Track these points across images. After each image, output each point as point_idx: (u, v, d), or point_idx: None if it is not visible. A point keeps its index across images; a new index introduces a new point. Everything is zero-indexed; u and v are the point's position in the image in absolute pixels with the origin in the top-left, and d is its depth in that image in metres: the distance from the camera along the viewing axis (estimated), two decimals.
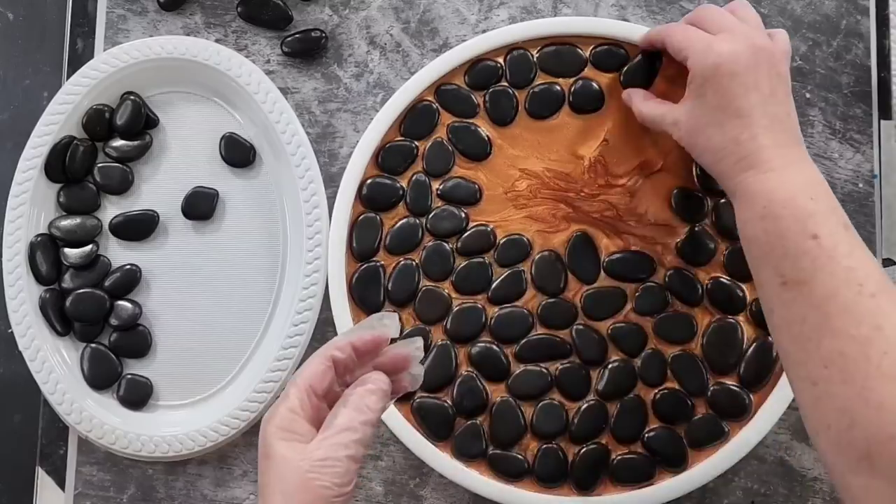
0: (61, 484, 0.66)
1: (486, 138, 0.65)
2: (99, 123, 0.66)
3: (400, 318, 0.52)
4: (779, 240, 0.52)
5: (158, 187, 0.67)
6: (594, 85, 0.65)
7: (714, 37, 0.56)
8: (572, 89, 0.65)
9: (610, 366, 0.63)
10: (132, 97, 0.66)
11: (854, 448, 0.47)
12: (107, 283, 0.65)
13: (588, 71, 0.65)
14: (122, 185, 0.66)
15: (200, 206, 0.66)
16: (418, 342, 0.51)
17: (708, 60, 0.55)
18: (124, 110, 0.66)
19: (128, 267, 0.66)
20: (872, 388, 0.47)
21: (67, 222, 0.66)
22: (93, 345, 0.65)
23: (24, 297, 0.64)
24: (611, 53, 0.65)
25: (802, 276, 0.50)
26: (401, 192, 0.65)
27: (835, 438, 0.48)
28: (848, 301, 0.49)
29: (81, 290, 0.65)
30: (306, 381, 0.48)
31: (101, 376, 0.65)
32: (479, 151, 0.65)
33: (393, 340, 0.51)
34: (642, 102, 0.61)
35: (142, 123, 0.66)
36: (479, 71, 0.65)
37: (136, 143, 0.66)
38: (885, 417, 0.46)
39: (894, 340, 0.47)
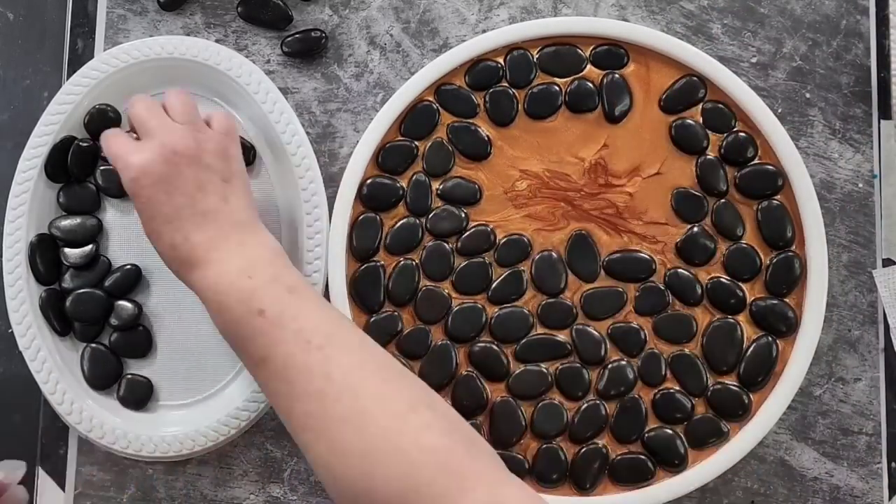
0: (61, 484, 0.66)
1: (486, 138, 0.65)
2: (102, 123, 0.66)
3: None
4: (236, 326, 0.53)
5: None
6: (590, 85, 0.65)
7: (134, 147, 0.56)
8: (568, 89, 0.65)
9: (609, 366, 0.63)
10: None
11: (345, 500, 0.48)
12: (107, 283, 0.65)
13: (586, 71, 0.65)
14: (124, 188, 0.66)
15: None
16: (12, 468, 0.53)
17: (127, 174, 0.55)
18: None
19: (128, 267, 0.66)
20: (335, 437, 0.48)
21: (67, 222, 0.66)
22: (93, 345, 0.65)
23: (24, 297, 0.64)
24: (610, 54, 0.65)
25: (263, 353, 0.52)
26: (401, 192, 0.65)
27: (333, 494, 0.49)
28: (301, 361, 0.51)
29: (81, 291, 0.65)
30: None
31: (101, 376, 0.65)
32: (479, 151, 0.65)
33: None
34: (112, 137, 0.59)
35: None
36: (479, 71, 0.65)
37: None
38: (350, 462, 0.48)
39: (345, 385, 0.49)
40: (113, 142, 0.57)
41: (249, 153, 0.66)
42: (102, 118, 0.66)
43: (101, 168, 0.66)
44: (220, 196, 0.56)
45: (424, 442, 0.48)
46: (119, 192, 0.66)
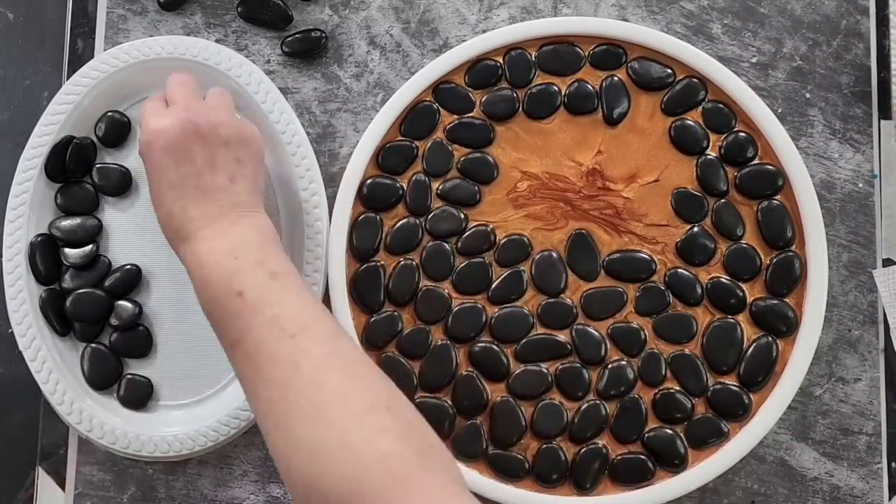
0: (61, 484, 0.66)
1: (489, 126, 0.65)
2: (115, 132, 0.66)
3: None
4: (215, 305, 0.53)
5: None
6: (589, 87, 0.65)
7: (155, 111, 0.57)
8: (568, 91, 0.65)
9: (609, 366, 0.63)
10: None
11: (296, 492, 0.48)
12: (107, 284, 0.65)
13: (585, 72, 0.65)
14: (121, 187, 0.66)
15: None
16: None
17: (143, 136, 0.56)
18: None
19: (128, 267, 0.66)
20: (291, 429, 0.48)
21: (68, 222, 0.66)
22: (93, 345, 0.65)
23: (25, 297, 0.64)
24: (609, 53, 0.65)
25: (238, 336, 0.52)
26: (401, 192, 0.65)
27: (286, 484, 0.49)
28: (272, 348, 0.50)
29: (81, 291, 0.65)
30: None
31: (101, 376, 0.65)
32: (481, 140, 0.65)
33: None
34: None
35: None
36: (479, 71, 0.65)
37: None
38: (303, 455, 0.47)
39: (309, 377, 0.49)
40: (147, 103, 0.59)
41: None
42: (116, 126, 0.66)
43: (98, 166, 0.66)
44: (227, 175, 0.56)
45: (377, 445, 0.47)
46: (116, 191, 0.66)
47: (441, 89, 0.65)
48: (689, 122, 0.64)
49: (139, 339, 0.65)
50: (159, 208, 0.56)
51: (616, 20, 0.67)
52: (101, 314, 0.65)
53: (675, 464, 0.62)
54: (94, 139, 0.66)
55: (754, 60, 0.67)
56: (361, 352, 0.54)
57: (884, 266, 0.66)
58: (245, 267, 0.53)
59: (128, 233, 0.67)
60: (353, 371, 0.51)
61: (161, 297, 0.66)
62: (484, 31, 0.67)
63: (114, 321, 0.65)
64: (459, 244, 0.64)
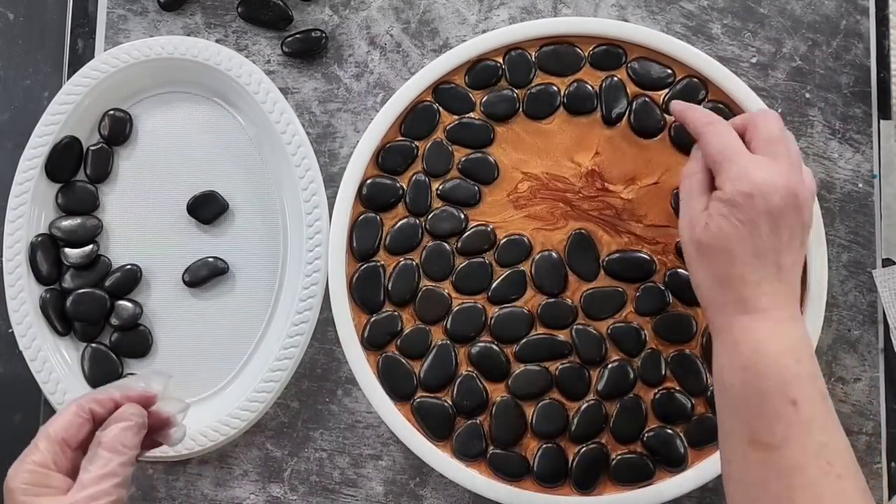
0: None
1: (489, 127, 0.65)
2: (120, 130, 0.66)
3: (167, 380, 0.52)
4: (757, 396, 0.50)
5: (159, 188, 0.67)
6: (588, 87, 0.65)
7: (756, 160, 0.52)
8: (567, 91, 0.65)
9: (609, 366, 0.63)
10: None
11: None
12: (107, 283, 0.65)
13: (585, 72, 0.65)
14: (105, 173, 0.66)
15: (206, 207, 0.66)
16: (183, 406, 0.49)
17: (742, 187, 0.51)
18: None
19: (128, 267, 0.66)
20: None
21: (68, 222, 0.66)
22: (93, 344, 0.65)
23: (25, 297, 0.64)
24: (609, 54, 0.65)
25: (774, 441, 0.49)
26: (401, 192, 0.65)
27: None
28: (814, 478, 0.47)
29: (82, 291, 0.65)
30: (59, 433, 0.45)
31: (101, 376, 0.65)
32: (482, 140, 0.65)
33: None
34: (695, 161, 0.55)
35: None
36: (479, 71, 0.65)
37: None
38: None
39: None
40: (728, 135, 0.54)
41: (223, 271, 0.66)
42: (120, 125, 0.66)
43: (92, 148, 0.66)
44: (795, 258, 0.52)
45: None
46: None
47: (441, 89, 0.65)
48: None
49: (139, 339, 0.66)
50: (727, 265, 0.52)
51: (616, 20, 0.67)
52: (102, 314, 0.65)
53: (676, 464, 0.62)
54: (100, 138, 0.66)
55: (754, 60, 0.67)
56: None
57: (883, 266, 0.66)
58: (804, 375, 0.50)
59: (128, 232, 0.67)
60: None
61: (161, 297, 0.66)
62: (484, 31, 0.67)
63: (114, 321, 0.65)
64: (459, 244, 0.64)
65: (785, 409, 0.49)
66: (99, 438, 0.44)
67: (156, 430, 0.49)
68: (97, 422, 0.46)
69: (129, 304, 0.65)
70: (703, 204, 0.54)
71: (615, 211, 0.64)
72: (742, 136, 0.55)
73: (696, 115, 0.57)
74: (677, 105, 0.59)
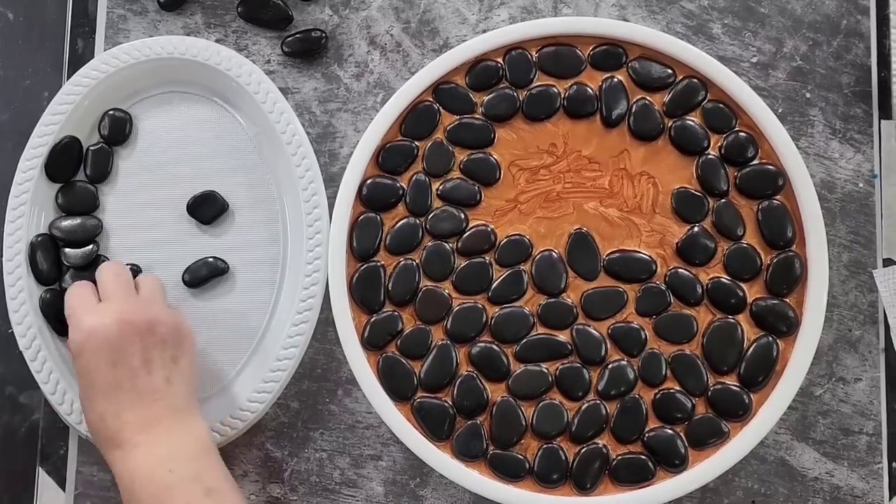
0: (61, 484, 0.66)
1: (490, 127, 0.65)
2: (119, 130, 0.66)
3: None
4: None
5: (159, 188, 0.67)
6: (588, 90, 0.65)
7: (90, 307, 0.56)
8: (567, 93, 0.65)
9: (610, 366, 0.63)
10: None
11: None
12: None
13: (585, 75, 0.65)
14: (105, 173, 0.67)
15: (206, 207, 0.66)
16: None
17: (76, 335, 0.55)
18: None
19: (128, 266, 0.66)
20: None
21: (68, 223, 0.66)
22: None
23: (25, 297, 0.64)
24: (609, 54, 0.65)
25: None
26: (401, 192, 0.65)
27: None
28: None
29: None
30: None
31: None
32: (482, 141, 0.65)
33: None
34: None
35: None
36: (479, 71, 0.65)
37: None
38: None
39: None
40: (75, 294, 0.58)
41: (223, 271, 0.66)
42: (120, 125, 0.66)
43: (91, 148, 0.66)
44: (164, 376, 0.55)
45: None
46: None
47: (441, 89, 0.65)
48: (689, 122, 0.64)
49: None
50: (90, 411, 0.55)
51: (616, 20, 0.67)
52: None
53: (676, 464, 0.62)
54: (100, 138, 0.66)
55: (754, 60, 0.67)
56: None
57: (884, 266, 0.66)
58: (179, 481, 0.52)
59: (128, 233, 0.67)
60: None
61: None
62: (484, 31, 0.67)
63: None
64: (459, 244, 0.64)
65: None
66: None
67: None
68: None
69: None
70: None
71: (608, 190, 0.64)
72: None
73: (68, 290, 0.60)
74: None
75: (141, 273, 0.65)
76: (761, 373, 0.62)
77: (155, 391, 0.55)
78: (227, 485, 0.54)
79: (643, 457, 0.62)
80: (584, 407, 0.63)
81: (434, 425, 0.63)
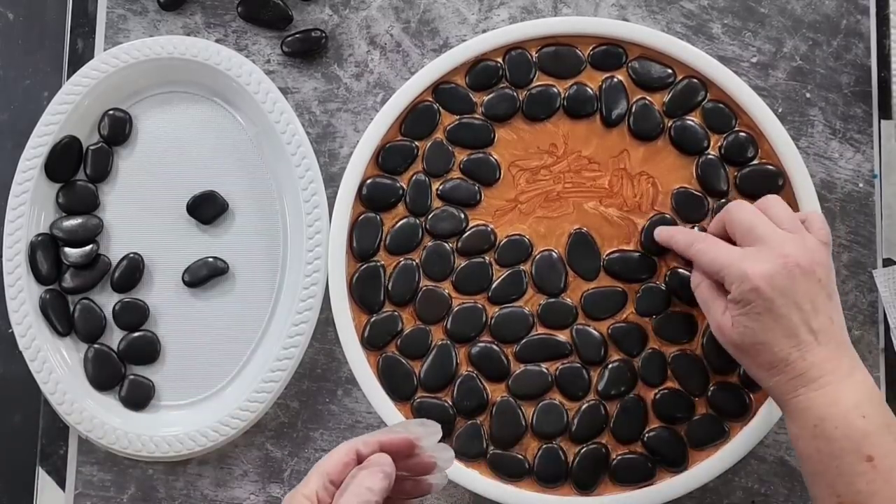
0: (61, 484, 0.66)
1: (490, 127, 0.65)
2: (119, 130, 0.66)
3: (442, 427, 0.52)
4: (832, 460, 0.51)
5: (159, 187, 0.67)
6: (588, 90, 0.65)
7: (746, 256, 0.55)
8: (567, 93, 0.65)
9: (610, 366, 0.63)
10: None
11: None
12: (115, 277, 0.66)
13: (585, 75, 0.65)
14: (105, 172, 0.67)
15: (206, 207, 0.66)
16: (449, 454, 0.50)
17: (745, 286, 0.54)
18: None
19: (131, 255, 0.66)
20: None
21: (69, 223, 0.66)
22: (96, 345, 0.65)
23: (25, 297, 0.64)
24: (609, 54, 0.65)
25: (858, 499, 0.50)
26: (401, 192, 0.65)
27: None
28: None
29: (85, 298, 0.65)
30: (325, 469, 0.48)
31: (105, 377, 0.65)
32: (482, 140, 0.65)
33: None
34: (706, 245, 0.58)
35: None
36: (479, 71, 0.65)
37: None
38: None
39: None
40: (713, 246, 0.57)
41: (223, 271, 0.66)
42: (120, 125, 0.66)
43: (91, 147, 0.66)
44: (827, 315, 0.54)
45: None
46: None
47: (441, 89, 0.65)
48: (689, 122, 0.64)
49: (146, 345, 0.65)
50: (767, 353, 0.54)
51: (616, 20, 0.67)
52: (104, 318, 0.65)
53: (676, 464, 0.62)
54: (100, 138, 0.66)
55: (754, 60, 0.67)
56: None
57: (884, 266, 0.66)
58: (875, 429, 0.51)
59: (128, 232, 0.67)
60: None
61: (161, 297, 0.66)
62: (484, 31, 0.67)
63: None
64: (459, 244, 0.64)
65: (862, 466, 0.50)
66: (347, 482, 0.47)
67: (419, 473, 0.51)
68: (360, 461, 0.49)
69: (138, 301, 0.66)
70: (722, 307, 0.57)
71: (607, 190, 0.64)
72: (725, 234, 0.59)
73: (679, 241, 0.61)
74: (662, 233, 0.62)
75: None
76: None
77: (825, 331, 0.54)
78: None
79: (643, 457, 0.62)
80: (584, 407, 0.63)
81: None
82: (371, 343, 0.63)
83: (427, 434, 0.50)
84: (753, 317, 0.54)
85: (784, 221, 0.57)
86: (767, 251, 0.55)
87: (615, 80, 0.65)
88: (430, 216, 0.64)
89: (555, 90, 0.65)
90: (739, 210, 0.58)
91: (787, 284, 0.54)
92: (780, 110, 0.67)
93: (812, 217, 0.58)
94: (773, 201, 0.58)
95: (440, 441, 0.51)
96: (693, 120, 0.64)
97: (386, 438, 0.49)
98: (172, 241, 0.66)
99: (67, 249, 0.65)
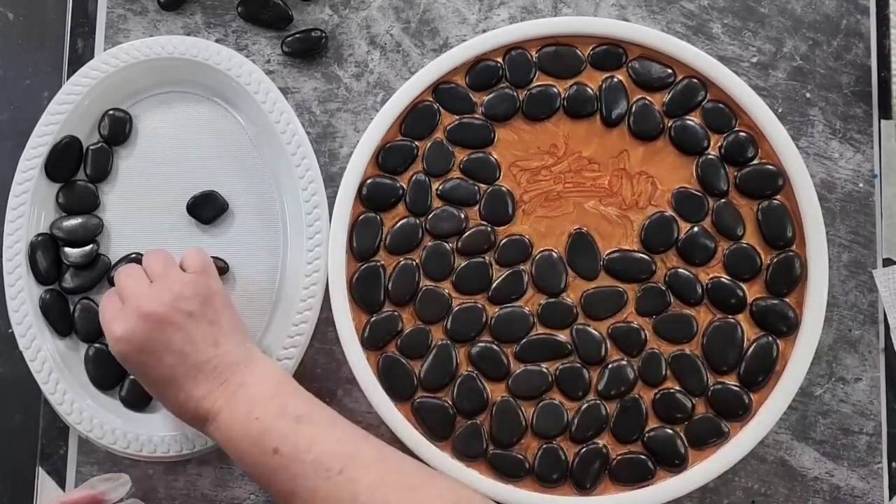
0: (61, 484, 0.66)
1: (489, 126, 0.65)
2: (119, 130, 0.66)
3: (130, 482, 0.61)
4: (255, 469, 0.54)
5: (159, 187, 0.67)
6: (588, 90, 0.65)
7: (117, 313, 0.56)
8: (567, 94, 0.65)
9: (610, 366, 0.63)
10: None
11: None
12: (111, 274, 0.65)
13: (585, 75, 0.65)
14: (105, 172, 0.66)
15: (206, 207, 0.66)
16: (123, 480, 0.58)
17: (114, 346, 0.56)
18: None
19: (133, 256, 0.66)
20: None
21: (70, 223, 0.66)
22: (96, 345, 0.65)
23: (25, 297, 0.64)
24: (609, 54, 0.65)
25: (289, 488, 0.53)
26: (401, 192, 0.65)
27: None
28: (325, 490, 0.52)
29: (86, 299, 0.65)
30: None
31: (105, 377, 0.65)
32: (482, 140, 0.65)
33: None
34: None
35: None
36: (479, 71, 0.65)
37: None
38: None
39: (371, 503, 0.51)
40: (103, 305, 0.58)
41: (223, 271, 0.66)
42: (120, 124, 0.66)
43: (91, 147, 0.66)
44: (209, 343, 0.56)
45: None
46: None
47: (441, 89, 0.65)
48: (689, 122, 0.64)
49: None
50: (167, 403, 0.57)
51: (616, 20, 0.67)
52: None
53: (676, 464, 0.62)
54: (100, 138, 0.66)
55: (754, 60, 0.67)
56: (410, 460, 0.55)
57: (884, 266, 0.66)
58: (269, 423, 0.54)
59: (128, 232, 0.67)
60: (410, 482, 0.52)
61: None
62: (484, 31, 0.67)
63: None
64: (459, 244, 0.64)
65: (274, 460, 0.53)
66: None
67: None
68: None
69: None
70: None
71: (607, 190, 0.64)
72: None
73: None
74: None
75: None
76: (761, 373, 0.62)
77: (208, 360, 0.56)
78: (313, 406, 0.56)
79: (643, 457, 0.62)
80: (584, 407, 0.63)
81: (434, 425, 0.63)
82: (371, 343, 0.63)
83: (113, 488, 0.56)
84: (136, 372, 0.57)
85: (151, 271, 0.58)
86: (127, 307, 0.56)
87: (615, 80, 0.65)
88: (430, 216, 0.64)
89: (555, 90, 0.65)
90: (120, 271, 0.59)
91: (147, 336, 0.55)
92: (780, 110, 0.67)
93: (186, 254, 0.60)
94: (147, 255, 0.60)
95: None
96: (693, 120, 0.65)
97: (69, 500, 0.53)
98: (172, 241, 0.66)
99: (67, 249, 0.65)
